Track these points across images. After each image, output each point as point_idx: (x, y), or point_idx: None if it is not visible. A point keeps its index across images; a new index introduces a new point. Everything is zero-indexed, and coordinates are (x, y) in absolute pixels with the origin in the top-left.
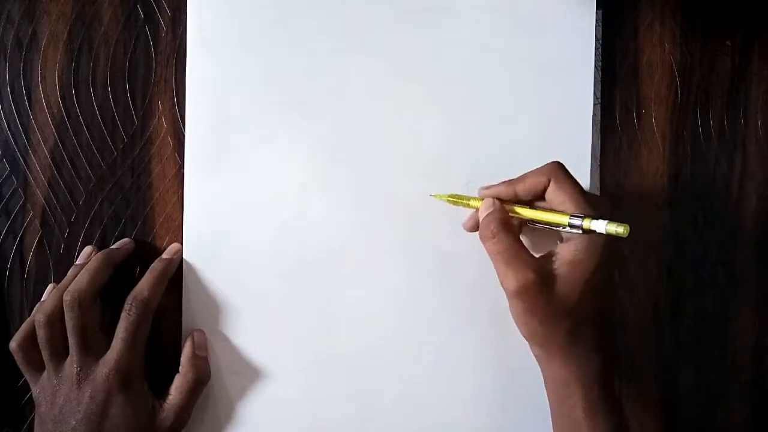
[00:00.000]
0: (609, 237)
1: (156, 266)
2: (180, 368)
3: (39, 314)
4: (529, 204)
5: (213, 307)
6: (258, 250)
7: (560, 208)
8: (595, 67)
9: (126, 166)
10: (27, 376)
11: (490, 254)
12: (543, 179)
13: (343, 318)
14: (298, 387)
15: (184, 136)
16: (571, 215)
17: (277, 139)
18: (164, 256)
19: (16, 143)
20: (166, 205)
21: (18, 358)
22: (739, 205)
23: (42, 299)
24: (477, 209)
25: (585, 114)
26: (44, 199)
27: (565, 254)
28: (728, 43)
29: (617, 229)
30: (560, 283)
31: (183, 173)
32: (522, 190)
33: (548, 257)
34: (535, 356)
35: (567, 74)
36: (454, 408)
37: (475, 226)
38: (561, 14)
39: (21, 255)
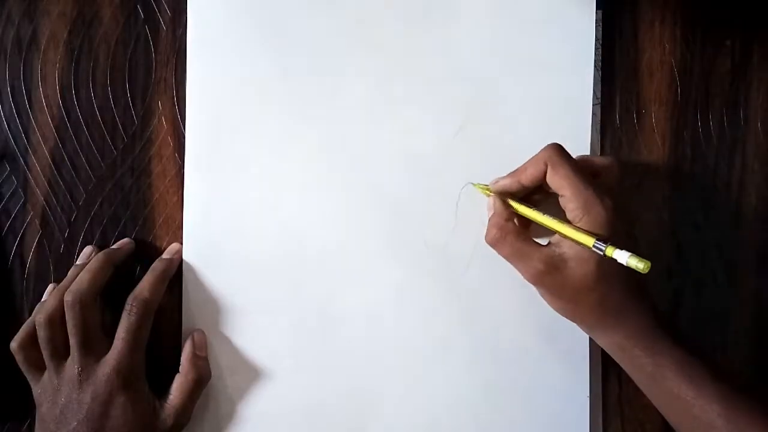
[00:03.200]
0: (611, 213)
1: (156, 266)
2: (180, 368)
3: (40, 314)
4: (538, 190)
5: (213, 307)
6: (258, 250)
7: (559, 192)
8: (595, 67)
9: (126, 166)
10: (28, 377)
11: (501, 256)
12: (541, 166)
13: (343, 317)
14: (298, 387)
15: (184, 136)
16: (595, 241)
17: (277, 139)
18: (164, 256)
19: (16, 143)
20: (166, 205)
21: (19, 358)
22: (739, 205)
23: (42, 299)
24: None
25: (585, 114)
26: (44, 199)
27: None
28: (728, 43)
29: (638, 264)
30: (573, 264)
31: (183, 173)
32: (525, 180)
33: (555, 243)
34: (584, 331)
35: (567, 74)
36: (453, 408)
37: None
38: (561, 14)
39: (21, 255)
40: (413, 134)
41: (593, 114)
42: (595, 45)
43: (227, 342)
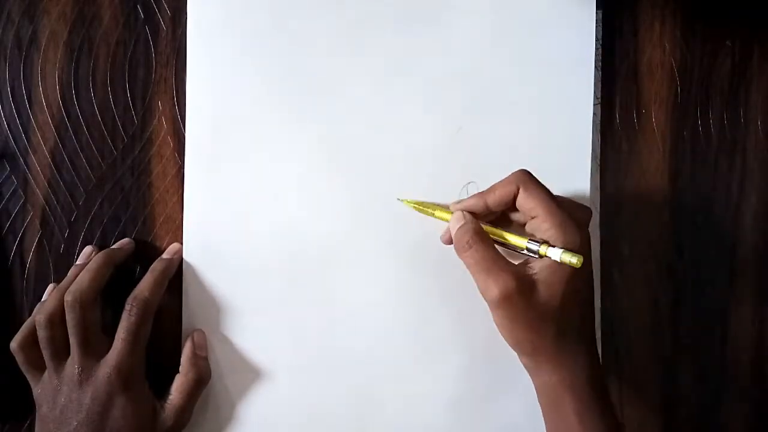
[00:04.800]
0: (586, 241)
1: (156, 266)
2: (180, 368)
3: (40, 314)
4: (501, 216)
5: (213, 307)
6: (258, 250)
7: (531, 214)
8: (595, 67)
9: (126, 166)
10: (28, 377)
11: (468, 266)
12: (512, 188)
13: (343, 317)
14: (298, 387)
15: (184, 136)
16: (529, 240)
17: (277, 139)
18: (164, 256)
19: (16, 143)
20: (166, 205)
21: (19, 359)
22: (739, 204)
23: (42, 299)
24: (447, 221)
25: (585, 114)
26: (44, 199)
27: (543, 259)
28: (728, 43)
29: (571, 259)
30: (541, 288)
31: (183, 173)
32: (492, 201)
33: (526, 263)
34: (524, 366)
35: (567, 74)
36: (453, 408)
37: (450, 240)
38: (561, 14)
39: (21, 255)
40: (413, 134)
41: (593, 114)
42: (595, 45)
43: (227, 342)
